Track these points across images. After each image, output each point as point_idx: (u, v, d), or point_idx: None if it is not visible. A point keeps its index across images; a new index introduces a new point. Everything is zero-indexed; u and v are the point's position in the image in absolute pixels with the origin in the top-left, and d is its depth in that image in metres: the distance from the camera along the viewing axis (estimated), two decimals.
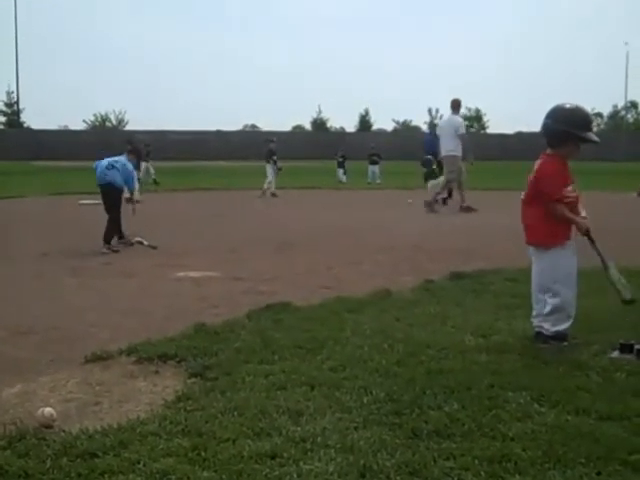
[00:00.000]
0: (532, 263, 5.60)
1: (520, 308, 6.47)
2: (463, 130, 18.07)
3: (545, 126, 5.58)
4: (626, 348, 5.09)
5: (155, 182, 30.07)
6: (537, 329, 5.55)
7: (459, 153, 17.75)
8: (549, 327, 5.43)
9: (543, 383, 4.48)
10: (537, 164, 5.54)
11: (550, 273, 5.43)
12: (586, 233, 5.44)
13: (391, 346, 5.33)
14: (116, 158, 11.96)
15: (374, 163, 33.36)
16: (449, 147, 17.70)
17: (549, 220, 5.41)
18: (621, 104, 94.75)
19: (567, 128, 5.38)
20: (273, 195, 23.57)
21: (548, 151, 5.60)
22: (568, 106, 5.56)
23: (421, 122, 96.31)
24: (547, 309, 5.44)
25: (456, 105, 18.22)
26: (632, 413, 4.02)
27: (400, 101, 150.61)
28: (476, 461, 3.46)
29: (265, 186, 23.96)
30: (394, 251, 11.02)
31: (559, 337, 5.40)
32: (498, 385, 4.46)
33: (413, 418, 3.98)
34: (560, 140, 5.45)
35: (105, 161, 11.88)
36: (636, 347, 5.07)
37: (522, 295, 6.86)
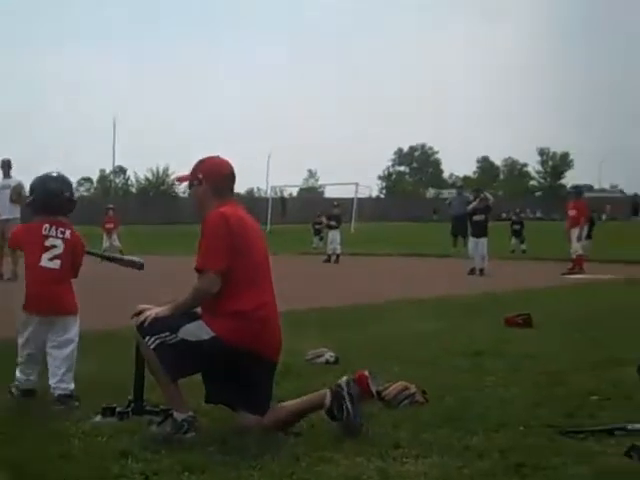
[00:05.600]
0: None
1: None
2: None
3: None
4: (108, 411, 5.25)
5: None
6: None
7: None
8: (67, 386, 5.51)
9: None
10: None
11: None
12: None
13: None
14: None
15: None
16: None
17: None
18: (109, 169, 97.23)
19: None
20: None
21: None
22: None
23: None
24: (67, 367, 5.50)
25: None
26: (111, 475, 4.13)
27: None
28: None
29: None
30: None
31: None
32: None
33: None
34: None
35: None
36: (117, 409, 5.27)
37: None
